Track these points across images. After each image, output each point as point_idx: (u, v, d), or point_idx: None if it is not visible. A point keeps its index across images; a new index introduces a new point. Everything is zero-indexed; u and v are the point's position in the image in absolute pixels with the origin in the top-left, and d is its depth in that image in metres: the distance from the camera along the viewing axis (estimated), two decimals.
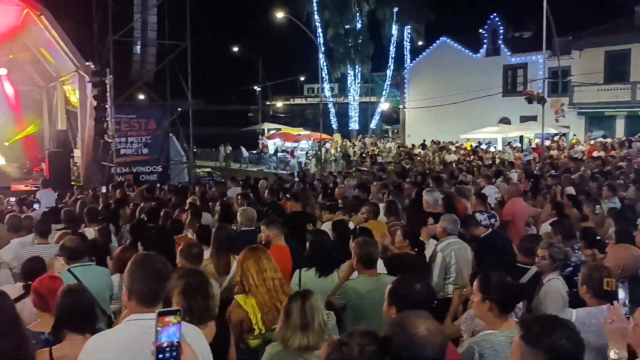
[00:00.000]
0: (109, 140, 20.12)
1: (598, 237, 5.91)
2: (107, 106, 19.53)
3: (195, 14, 24.08)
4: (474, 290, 3.35)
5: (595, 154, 19.44)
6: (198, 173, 27.37)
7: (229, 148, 38.79)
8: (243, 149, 37.94)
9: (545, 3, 19.86)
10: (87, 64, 20.25)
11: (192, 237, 6.43)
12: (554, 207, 8.02)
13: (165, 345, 2.07)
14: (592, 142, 24.59)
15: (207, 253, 5.81)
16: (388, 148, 32.96)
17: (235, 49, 49.39)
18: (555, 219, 6.86)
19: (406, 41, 43.75)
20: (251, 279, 4.10)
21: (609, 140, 24.82)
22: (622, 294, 2.63)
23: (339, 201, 9.37)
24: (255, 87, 54.07)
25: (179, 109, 24.40)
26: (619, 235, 5.12)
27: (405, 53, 43.70)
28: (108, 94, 19.52)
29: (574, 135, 28.56)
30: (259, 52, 50.46)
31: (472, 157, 22.43)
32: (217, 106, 68.30)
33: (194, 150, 27.95)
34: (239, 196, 9.99)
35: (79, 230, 6.94)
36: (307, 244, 5.11)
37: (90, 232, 7.21)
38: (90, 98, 19.82)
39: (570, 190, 10.12)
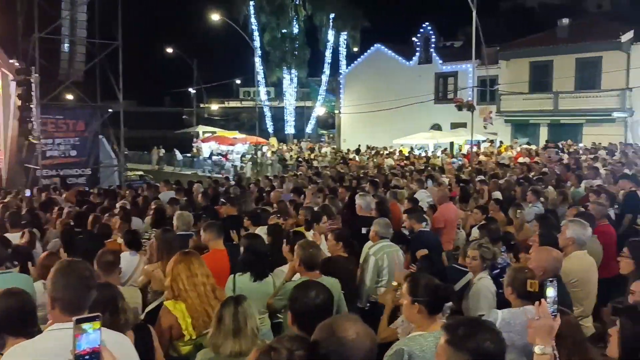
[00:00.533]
0: (34, 142, 19.27)
1: (513, 242, 6.18)
2: (32, 106, 18.72)
3: (128, 12, 23.50)
4: (403, 293, 3.40)
5: (520, 160, 20.28)
6: (129, 176, 26.64)
7: (162, 151, 37.98)
8: (177, 152, 37.26)
9: (474, 14, 20.57)
10: (10, 61, 19.33)
11: (122, 243, 6.25)
12: (482, 211, 8.32)
13: (85, 352, 1.98)
14: (518, 148, 25.64)
15: (135, 259, 5.68)
16: (324, 153, 33.21)
17: (170, 49, 48.40)
18: (482, 223, 7.10)
19: (342, 47, 44.31)
20: (181, 283, 4.02)
21: (533, 147, 25.96)
22: (551, 292, 2.74)
23: (274, 205, 9.35)
24: (190, 89, 53.23)
25: (110, 110, 23.70)
26: (542, 238, 5.35)
27: (340, 59, 44.25)
28: (33, 93, 18.70)
29: (501, 142, 29.66)
30: (195, 54, 49.75)
31: (405, 162, 22.92)
32: (150, 108, 66.86)
33: (126, 152, 27.16)
34: (172, 200, 9.79)
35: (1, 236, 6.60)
36: (241, 248, 5.08)
37: (14, 237, 6.87)
38: (14, 97, 18.93)
39: (497, 194, 10.52)
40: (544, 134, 30.62)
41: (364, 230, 6.37)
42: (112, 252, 4.83)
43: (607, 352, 2.99)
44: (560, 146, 23.75)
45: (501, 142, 29.49)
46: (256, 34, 43.08)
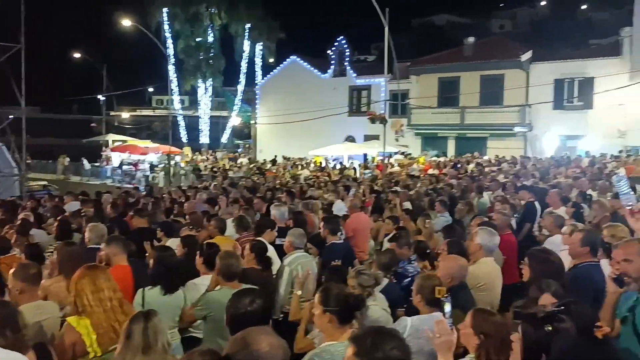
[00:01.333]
0: None
1: (428, 250, 6.39)
2: None
3: (32, 14, 22.34)
4: (315, 303, 3.43)
5: (430, 171, 21.06)
6: (31, 186, 25.15)
7: (67, 159, 36.19)
8: (85, 161, 35.62)
9: (386, 30, 21.21)
10: None
11: (21, 257, 5.90)
12: (393, 221, 8.55)
13: None
14: (429, 160, 26.60)
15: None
16: (239, 163, 32.95)
17: (78, 54, 46.35)
18: (394, 233, 7.29)
19: (258, 58, 44.29)
20: (85, 299, 3.84)
21: (442, 159, 27.04)
22: (447, 307, 2.88)
23: (186, 216, 9.15)
24: (99, 96, 51.18)
25: (11, 117, 22.35)
26: (449, 246, 5.57)
27: (256, 69, 44.21)
28: None
29: (409, 154, 30.57)
30: (105, 60, 47.96)
31: (320, 173, 23.17)
32: (55, 114, 63.57)
33: (28, 161, 25.67)
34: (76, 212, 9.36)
35: None
36: (151, 261, 4.95)
37: None
38: None
39: (408, 205, 10.86)
40: (451, 146, 31.98)
41: (278, 241, 6.37)
42: (34, 264, 4.58)
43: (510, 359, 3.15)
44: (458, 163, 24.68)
45: (409, 155, 30.38)
46: (170, 41, 42.22)
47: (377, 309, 4.51)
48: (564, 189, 11.77)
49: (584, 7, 57.58)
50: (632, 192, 3.23)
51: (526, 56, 29.76)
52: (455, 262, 4.61)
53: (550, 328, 2.71)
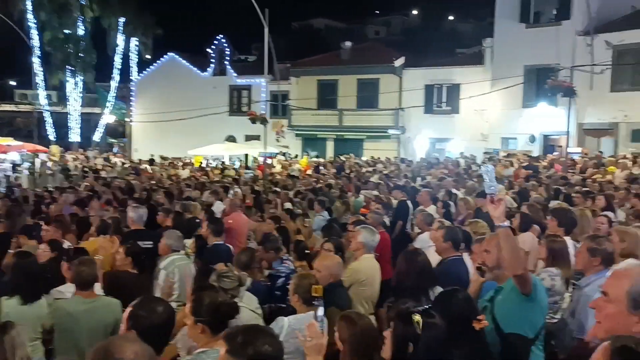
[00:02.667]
0: None
1: (308, 251, 6.50)
2: None
3: None
4: (186, 313, 3.31)
5: (309, 172, 21.42)
6: None
7: None
8: None
9: (266, 31, 21.28)
10: None
11: None
12: (274, 221, 8.59)
13: None
14: (310, 161, 27.03)
15: None
16: (113, 163, 31.35)
17: None
18: (265, 233, 7.29)
19: (133, 53, 42.44)
20: None
21: (321, 160, 27.61)
22: (320, 311, 2.94)
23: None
24: None
25: None
26: (328, 244, 5.71)
27: (132, 65, 42.33)
28: None
29: (296, 155, 30.92)
30: None
31: (199, 173, 22.68)
32: None
33: None
34: None
35: None
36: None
37: None
38: None
39: (288, 205, 10.97)
40: (330, 147, 32.74)
41: (141, 244, 6.10)
42: None
43: (382, 354, 3.29)
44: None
45: (307, 154, 30.68)
46: (35, 32, 39.25)
47: (245, 310, 4.48)
48: (434, 188, 12.51)
49: (451, 17, 61.58)
50: (497, 184, 3.49)
51: (399, 62, 31.19)
52: (333, 259, 4.74)
53: (418, 318, 2.86)
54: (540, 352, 3.63)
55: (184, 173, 23.38)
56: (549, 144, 26.18)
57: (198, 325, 3.17)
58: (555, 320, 4.65)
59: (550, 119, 24.09)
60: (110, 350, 2.12)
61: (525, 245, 6.61)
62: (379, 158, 25.71)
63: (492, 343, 3.43)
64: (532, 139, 26.10)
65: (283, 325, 3.79)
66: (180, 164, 27.69)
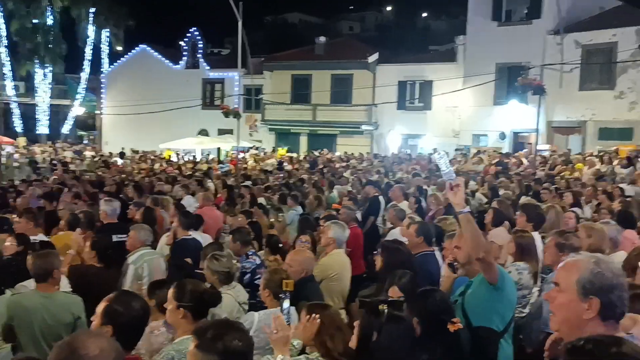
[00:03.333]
0: None
1: (280, 245, 6.49)
2: None
3: None
4: (169, 298, 3.35)
5: (285, 165, 21.38)
6: None
7: None
8: None
9: (240, 24, 21.10)
10: None
11: None
12: (246, 216, 8.55)
13: None
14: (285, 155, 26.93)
15: None
16: (83, 156, 30.81)
17: None
18: (236, 227, 7.24)
19: (104, 44, 41.72)
20: None
21: (294, 154, 27.56)
22: (285, 304, 2.96)
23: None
24: None
25: None
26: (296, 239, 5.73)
27: (103, 57, 41.62)
28: None
29: (264, 148, 30.77)
30: None
31: (170, 167, 22.45)
32: None
33: None
34: None
35: None
36: None
37: None
38: None
39: (262, 199, 10.94)
40: (304, 142, 32.72)
41: (115, 238, 6.04)
42: None
43: (349, 343, 3.32)
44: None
45: (264, 149, 30.60)
46: (1, 21, 38.29)
47: (231, 299, 4.50)
48: (406, 184, 12.61)
49: (424, 14, 61.99)
50: (451, 169, 3.52)
51: (373, 58, 31.28)
52: (304, 254, 4.75)
53: (385, 307, 2.90)
54: (509, 345, 3.69)
55: (156, 166, 23.13)
56: (518, 141, 26.58)
57: (180, 310, 3.22)
58: (524, 315, 4.74)
59: (520, 116, 24.45)
60: (74, 346, 2.06)
61: (497, 239, 6.72)
62: (352, 154, 25.78)
63: (464, 339, 3.48)
64: (503, 136, 26.47)
65: (253, 320, 3.80)
66: (151, 157, 27.38)
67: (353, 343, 3.01)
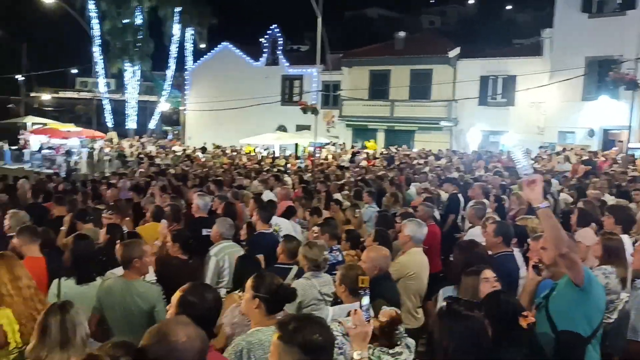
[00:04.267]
0: None
1: (362, 239, 6.47)
2: None
3: None
4: (246, 288, 3.44)
5: (362, 163, 21.33)
6: None
7: None
8: (5, 145, 33.38)
9: (319, 20, 21.25)
10: None
11: None
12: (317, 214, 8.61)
13: None
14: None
15: None
16: (168, 150, 32.11)
17: None
18: (322, 221, 7.32)
19: (188, 42, 43.27)
20: (4, 288, 3.67)
21: (372, 151, 27.43)
22: (365, 300, 2.95)
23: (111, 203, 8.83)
24: (18, 76, 48.41)
25: None
26: (375, 236, 5.69)
27: (187, 54, 43.19)
28: None
29: (341, 145, 30.84)
30: (24, 38, 45.40)
31: (250, 162, 22.96)
32: None
33: None
34: None
35: None
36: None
37: None
38: None
39: (338, 196, 10.95)
40: (381, 138, 32.53)
41: (205, 232, 6.26)
42: None
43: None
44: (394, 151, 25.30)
45: (343, 145, 30.63)
46: (95, 21, 40.51)
47: (310, 286, 4.63)
48: (487, 182, 12.24)
49: (508, 7, 59.87)
50: (529, 162, 3.37)
51: (454, 52, 30.62)
52: (379, 252, 4.71)
53: (465, 312, 2.84)
54: (597, 352, 3.51)
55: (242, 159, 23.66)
56: (608, 139, 25.21)
57: (255, 300, 3.29)
58: (612, 321, 4.49)
59: (611, 112, 23.18)
60: (165, 332, 2.21)
61: (586, 240, 6.40)
62: (430, 150, 25.36)
63: (547, 343, 3.34)
64: (591, 133, 25.18)
65: (327, 315, 3.82)
66: (234, 152, 28.12)
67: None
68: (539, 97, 26.50)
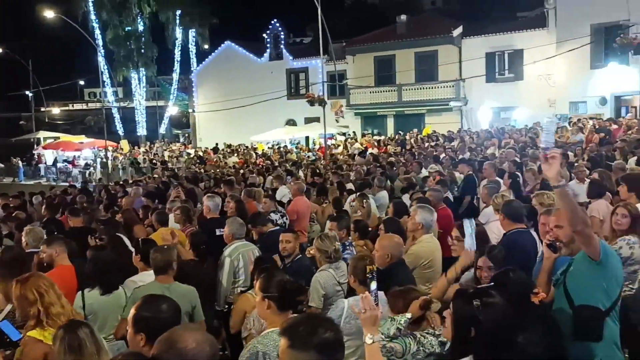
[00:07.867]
0: None
1: (371, 228, 6.44)
2: None
3: None
4: (255, 290, 3.43)
5: (370, 150, 21.25)
6: None
7: None
8: (18, 161, 33.76)
9: (319, 11, 21.14)
10: None
11: None
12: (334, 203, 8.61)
13: None
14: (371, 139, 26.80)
15: None
16: (180, 153, 32.30)
17: None
18: (336, 214, 7.30)
19: (191, 44, 43.37)
20: (53, 308, 3.60)
21: (382, 137, 27.34)
22: (373, 285, 2.95)
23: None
24: (27, 92, 48.87)
25: None
26: (386, 224, 5.66)
27: (191, 56, 43.30)
28: None
29: (353, 132, 30.74)
30: (29, 54, 45.74)
31: (260, 159, 23.01)
32: None
33: None
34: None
35: None
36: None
37: None
38: None
39: (350, 186, 10.94)
40: (391, 124, 32.39)
41: (218, 232, 6.27)
42: None
43: (442, 334, 3.24)
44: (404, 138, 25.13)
45: (353, 134, 30.56)
46: (98, 32, 40.74)
47: (330, 276, 4.73)
48: (498, 160, 12.12)
49: None
50: (552, 139, 3.33)
51: (457, 31, 30.33)
52: (391, 239, 4.70)
53: (478, 303, 2.80)
54: (616, 324, 3.47)
55: (233, 159, 23.70)
56: (621, 105, 24.85)
57: (265, 301, 3.27)
58: (634, 291, 4.44)
59: (621, 79, 22.82)
60: (173, 339, 2.22)
61: (599, 213, 6.32)
62: (436, 133, 25.12)
63: (565, 320, 3.31)
64: (603, 101, 24.85)
65: (343, 307, 3.83)
66: (242, 150, 28.20)
67: (448, 334, 2.94)
68: (547, 69, 26.20)
